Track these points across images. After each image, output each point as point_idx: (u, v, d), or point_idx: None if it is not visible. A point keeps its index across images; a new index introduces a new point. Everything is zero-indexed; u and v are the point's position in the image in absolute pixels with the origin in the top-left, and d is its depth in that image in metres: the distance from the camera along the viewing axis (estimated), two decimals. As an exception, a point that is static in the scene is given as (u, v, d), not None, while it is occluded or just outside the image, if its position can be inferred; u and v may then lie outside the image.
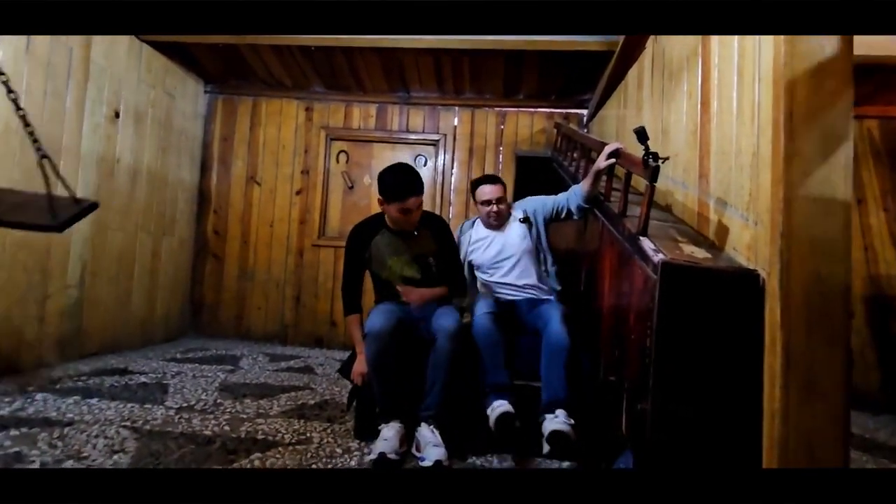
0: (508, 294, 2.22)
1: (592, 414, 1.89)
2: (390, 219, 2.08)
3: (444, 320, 1.93)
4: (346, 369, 2.07)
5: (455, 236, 2.35)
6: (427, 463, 1.71)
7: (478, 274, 2.32)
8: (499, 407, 1.78)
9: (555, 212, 2.20)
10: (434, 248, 2.15)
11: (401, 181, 1.99)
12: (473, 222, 2.39)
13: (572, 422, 1.76)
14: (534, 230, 2.22)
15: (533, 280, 2.22)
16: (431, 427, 1.83)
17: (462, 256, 2.32)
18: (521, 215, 2.25)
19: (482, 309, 1.99)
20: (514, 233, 2.25)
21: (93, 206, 1.73)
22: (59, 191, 1.70)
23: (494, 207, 2.23)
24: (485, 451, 1.92)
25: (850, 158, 1.15)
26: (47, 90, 2.76)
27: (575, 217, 2.17)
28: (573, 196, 2.11)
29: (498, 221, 2.27)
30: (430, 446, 1.76)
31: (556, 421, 1.75)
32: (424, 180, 2.15)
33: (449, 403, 1.89)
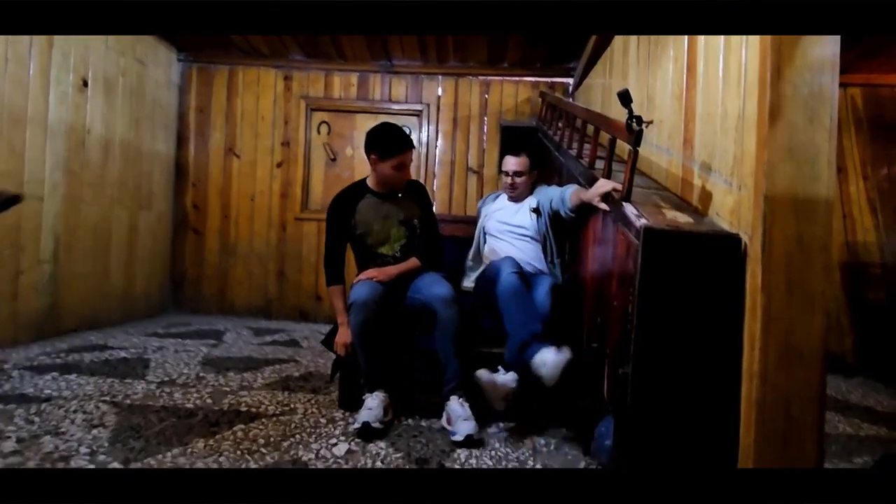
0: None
1: (569, 386, 1.91)
2: (381, 178, 2.05)
3: (438, 288, 1.91)
4: (329, 340, 2.05)
5: (477, 206, 2.45)
6: (458, 437, 1.71)
7: (488, 239, 2.34)
8: (550, 358, 1.68)
9: (553, 208, 2.13)
10: (418, 212, 2.14)
11: (395, 136, 2.01)
12: (498, 195, 2.47)
13: (514, 386, 1.78)
14: (542, 222, 2.21)
15: (535, 260, 2.21)
16: (461, 400, 1.83)
17: (478, 227, 2.40)
18: (534, 204, 2.26)
19: (508, 269, 1.92)
20: (525, 216, 2.27)
21: (14, 199, 1.62)
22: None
23: (510, 180, 2.29)
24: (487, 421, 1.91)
25: (835, 121, 1.14)
26: (8, 56, 2.61)
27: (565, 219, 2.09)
28: (561, 204, 2.02)
29: (513, 193, 2.32)
30: (461, 420, 1.75)
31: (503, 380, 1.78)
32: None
33: (466, 369, 1.86)
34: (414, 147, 2.08)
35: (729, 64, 1.40)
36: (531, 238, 2.22)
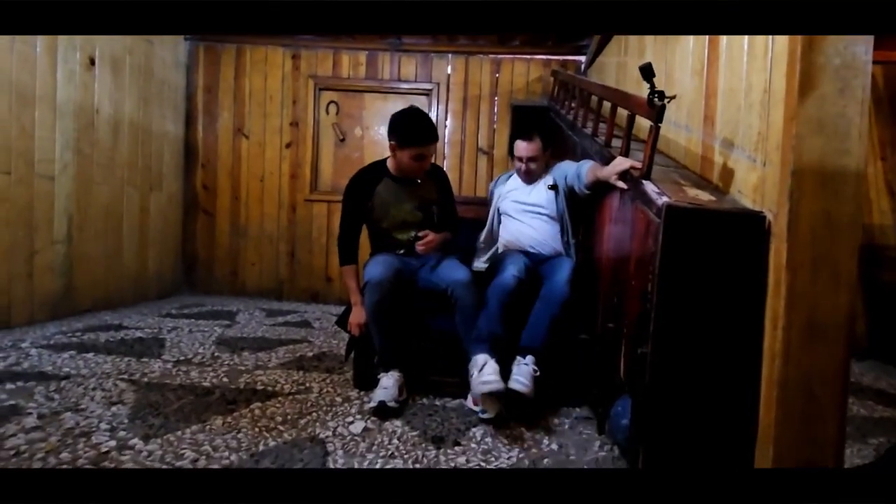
0: (530, 243, 2.17)
1: (584, 366, 1.91)
2: (400, 165, 2.01)
3: (457, 273, 1.91)
4: (343, 321, 2.06)
5: (489, 188, 2.37)
6: (488, 415, 1.74)
7: (503, 219, 2.29)
8: (488, 382, 1.68)
9: (567, 183, 2.10)
10: (436, 196, 2.11)
11: (418, 126, 1.93)
12: (511, 175, 2.39)
13: (537, 372, 1.75)
14: (559, 199, 2.16)
15: (552, 240, 2.17)
16: None
17: (492, 208, 2.34)
18: (551, 181, 2.21)
19: (511, 271, 1.91)
20: (541, 194, 2.21)
21: None
22: None
23: (524, 166, 2.20)
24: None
25: (867, 92, 1.11)
26: (17, 35, 2.59)
27: (579, 195, 2.06)
28: (576, 179, 1.99)
29: (528, 178, 2.25)
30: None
31: (521, 370, 1.73)
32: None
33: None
34: (437, 139, 1.98)
35: (755, 36, 1.36)
36: (548, 217, 2.18)
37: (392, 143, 1.95)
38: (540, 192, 2.22)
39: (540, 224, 2.18)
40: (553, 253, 2.15)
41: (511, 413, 1.76)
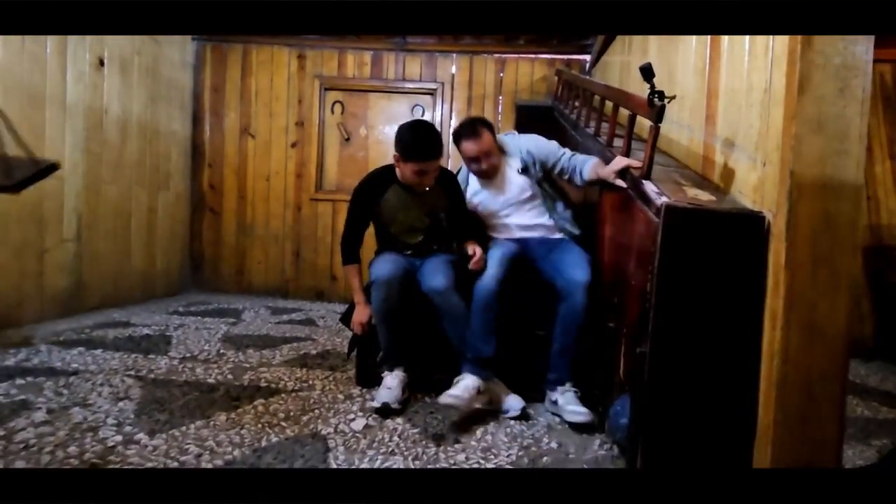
0: (519, 234, 2.13)
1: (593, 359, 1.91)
2: (403, 177, 1.98)
3: (433, 280, 1.87)
4: (347, 318, 2.07)
5: (460, 168, 2.27)
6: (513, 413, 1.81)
7: (484, 219, 2.22)
8: (450, 395, 1.70)
9: (557, 170, 2.05)
10: (445, 203, 2.07)
11: (421, 141, 1.88)
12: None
13: (579, 392, 1.79)
14: (534, 180, 2.09)
15: (541, 221, 2.11)
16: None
17: (468, 195, 2.22)
18: (518, 165, 2.09)
19: (490, 271, 1.90)
20: (513, 185, 2.10)
21: (52, 167, 1.64)
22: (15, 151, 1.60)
23: (483, 165, 2.04)
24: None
25: (867, 91, 1.10)
26: (25, 35, 2.63)
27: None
28: (577, 173, 1.96)
29: (489, 175, 2.09)
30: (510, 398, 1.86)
31: (567, 399, 1.75)
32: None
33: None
34: (440, 156, 1.93)
35: (756, 36, 1.36)
36: (528, 203, 2.10)
37: (395, 154, 1.93)
38: (509, 189, 2.10)
39: (520, 216, 2.12)
40: (544, 235, 2.09)
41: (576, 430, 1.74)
